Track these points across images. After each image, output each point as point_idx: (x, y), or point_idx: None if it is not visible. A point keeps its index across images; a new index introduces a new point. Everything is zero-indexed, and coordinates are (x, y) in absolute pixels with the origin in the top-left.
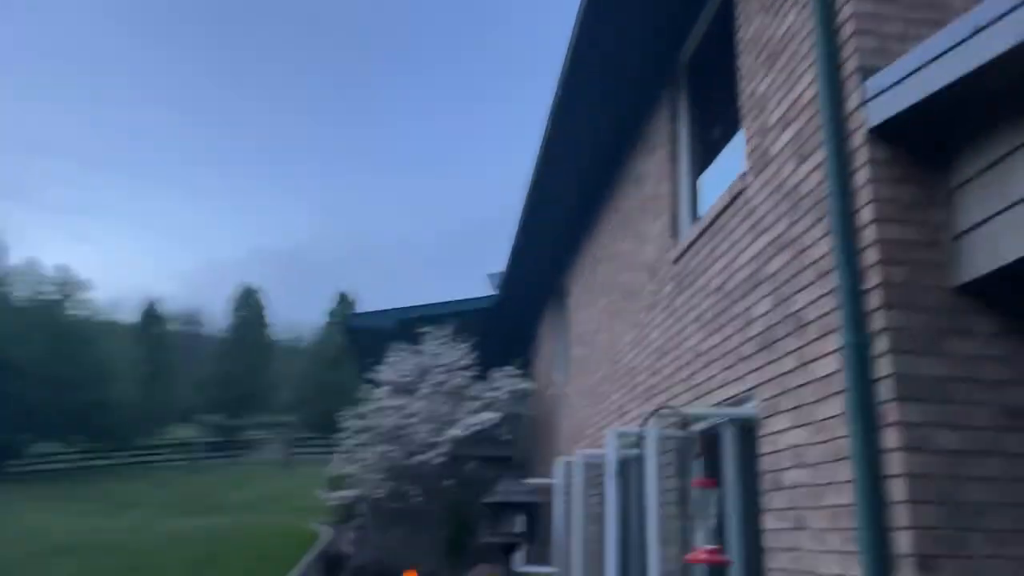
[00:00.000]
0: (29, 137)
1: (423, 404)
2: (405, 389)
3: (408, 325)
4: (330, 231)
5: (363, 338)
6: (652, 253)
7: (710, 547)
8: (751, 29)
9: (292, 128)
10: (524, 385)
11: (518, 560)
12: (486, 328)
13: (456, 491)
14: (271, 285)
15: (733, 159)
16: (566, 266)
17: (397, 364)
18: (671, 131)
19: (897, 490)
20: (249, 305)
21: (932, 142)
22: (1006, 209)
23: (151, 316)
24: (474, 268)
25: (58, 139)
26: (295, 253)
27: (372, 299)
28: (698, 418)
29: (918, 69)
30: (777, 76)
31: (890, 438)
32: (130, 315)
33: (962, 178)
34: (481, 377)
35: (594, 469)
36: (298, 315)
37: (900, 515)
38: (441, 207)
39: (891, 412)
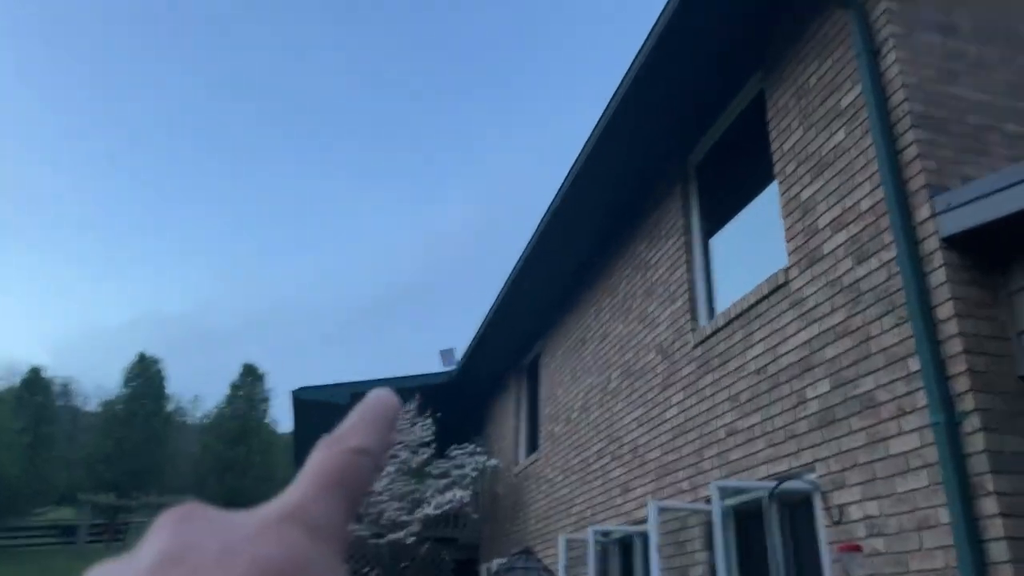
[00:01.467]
0: None
1: (387, 482)
2: None
3: (361, 399)
4: (224, 302)
5: (312, 413)
6: (664, 336)
7: None
8: (790, 142)
9: (180, 193)
10: (492, 462)
11: None
12: (442, 404)
13: (413, 573)
14: (160, 356)
15: (746, 251)
16: (535, 345)
17: None
18: (684, 224)
19: (998, 552)
20: (145, 375)
21: (995, 252)
22: None
23: (33, 384)
24: (384, 341)
25: None
26: (186, 323)
27: (279, 373)
28: (739, 492)
29: (991, 193)
30: (827, 185)
31: (988, 506)
32: (4, 383)
33: (1021, 284)
34: (439, 455)
35: (598, 545)
36: (193, 388)
37: (1003, 574)
38: (344, 280)
39: (987, 483)
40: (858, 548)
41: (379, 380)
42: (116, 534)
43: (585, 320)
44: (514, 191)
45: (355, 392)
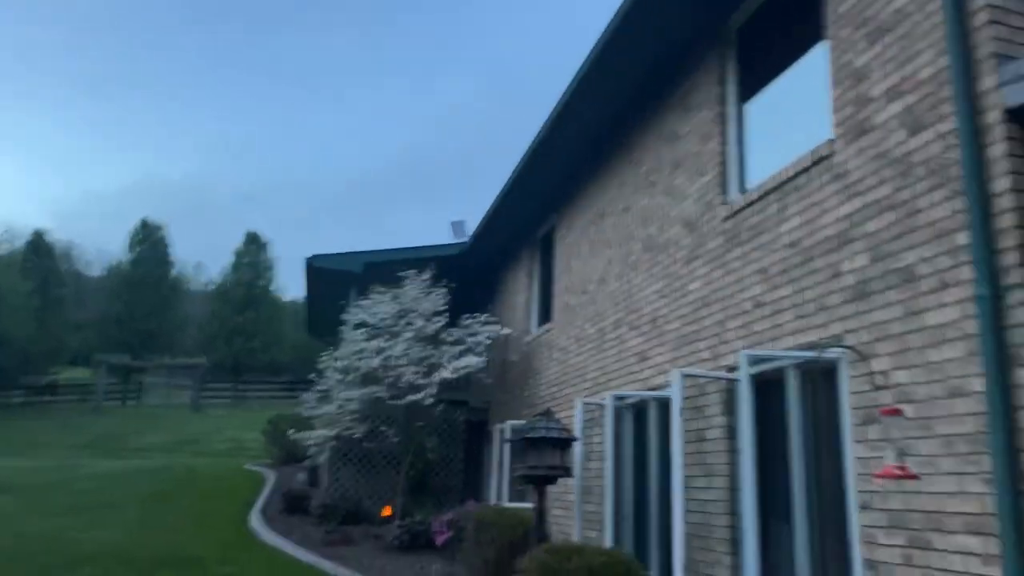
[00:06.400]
0: None
1: (404, 347)
2: (383, 332)
3: (375, 269)
4: (224, 172)
5: (325, 280)
6: (691, 209)
7: (900, 464)
8: (847, 4)
9: (179, 57)
10: (506, 331)
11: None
12: (455, 275)
13: (424, 432)
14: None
15: (783, 123)
16: (550, 218)
17: (372, 307)
18: (720, 94)
19: None
20: (150, 240)
21: None
22: None
23: (38, 247)
24: (390, 215)
25: None
26: (185, 191)
27: (284, 242)
28: (762, 360)
29: None
30: (884, 51)
31: (1023, 376)
32: (8, 246)
33: None
34: (451, 324)
35: (615, 409)
36: (195, 255)
37: None
38: (349, 153)
39: None
40: (898, 412)
41: (392, 250)
42: (131, 392)
43: (607, 193)
44: (530, 66)
45: (368, 262)
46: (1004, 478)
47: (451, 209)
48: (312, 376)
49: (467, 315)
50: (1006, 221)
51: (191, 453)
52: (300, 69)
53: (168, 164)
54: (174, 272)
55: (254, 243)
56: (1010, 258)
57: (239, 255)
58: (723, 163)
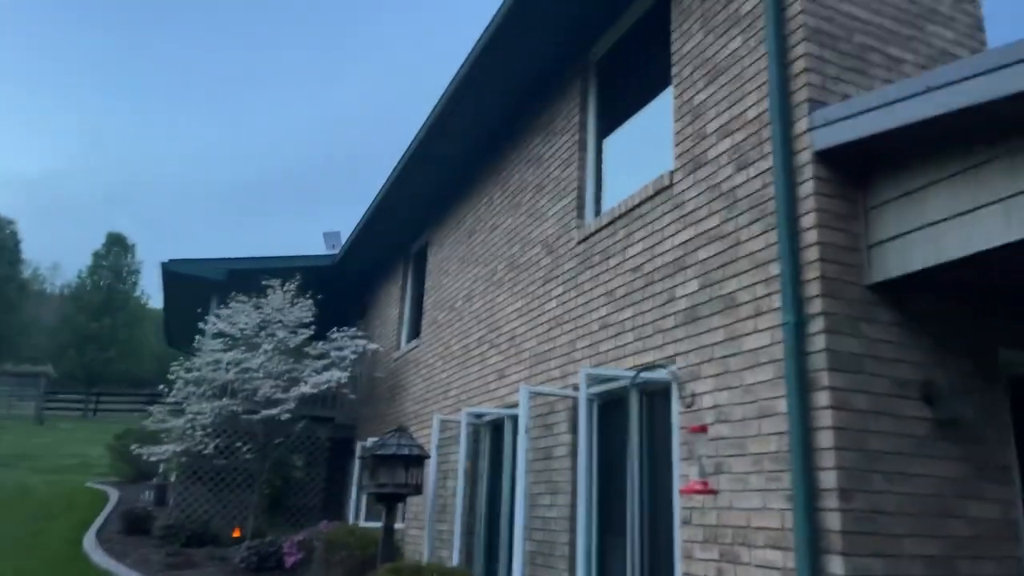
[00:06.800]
0: None
1: (263, 359)
2: (243, 343)
3: (240, 277)
4: (90, 169)
5: (185, 287)
6: (551, 231)
7: (702, 480)
8: (689, 45)
9: (48, 47)
10: (372, 346)
11: (406, 512)
12: (325, 287)
13: (283, 449)
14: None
15: (638, 153)
16: (424, 233)
17: (232, 317)
18: (581, 120)
19: (824, 439)
20: None
21: (859, 168)
22: (918, 229)
23: None
24: (266, 223)
25: None
26: (45, 188)
27: (152, 247)
28: (606, 380)
29: (863, 112)
30: (719, 91)
31: (821, 399)
32: None
33: (879, 200)
34: (318, 337)
35: (471, 427)
36: (52, 256)
37: (827, 458)
38: (225, 158)
39: (823, 378)
40: (704, 429)
41: (259, 259)
42: None
43: (476, 211)
44: (421, 78)
45: (232, 268)
46: (801, 494)
47: (334, 220)
48: (163, 388)
49: (336, 328)
50: (811, 255)
51: (29, 469)
52: (182, 72)
53: (24, 160)
54: (26, 273)
55: (117, 244)
56: (813, 288)
57: (98, 257)
58: (581, 188)
